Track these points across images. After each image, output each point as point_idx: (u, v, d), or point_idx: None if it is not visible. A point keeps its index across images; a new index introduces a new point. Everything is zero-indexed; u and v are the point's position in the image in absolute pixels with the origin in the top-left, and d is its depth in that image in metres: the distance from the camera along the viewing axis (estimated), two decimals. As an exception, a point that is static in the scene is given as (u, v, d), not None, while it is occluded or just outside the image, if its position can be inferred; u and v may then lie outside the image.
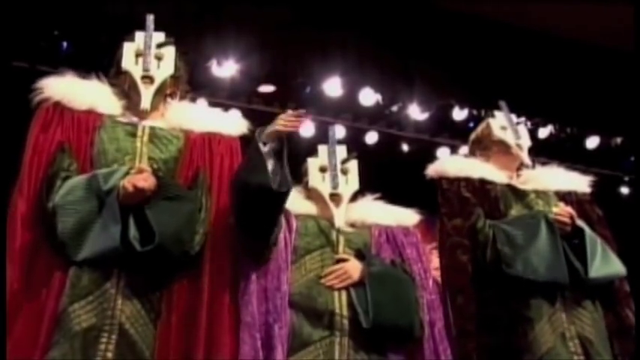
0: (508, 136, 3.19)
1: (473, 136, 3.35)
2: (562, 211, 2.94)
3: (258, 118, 2.74)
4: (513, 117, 3.32)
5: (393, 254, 2.80)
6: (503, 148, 3.19)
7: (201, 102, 5.75)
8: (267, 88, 6.03)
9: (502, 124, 3.24)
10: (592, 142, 6.72)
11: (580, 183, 3.26)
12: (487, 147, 3.23)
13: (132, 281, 2.36)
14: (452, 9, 6.24)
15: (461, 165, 3.16)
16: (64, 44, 5.31)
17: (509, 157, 3.19)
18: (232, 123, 2.74)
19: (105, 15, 5.10)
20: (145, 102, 2.54)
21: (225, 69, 5.68)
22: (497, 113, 3.30)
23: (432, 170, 3.18)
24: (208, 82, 5.74)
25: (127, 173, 2.39)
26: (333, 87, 5.99)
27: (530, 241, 2.85)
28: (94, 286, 2.32)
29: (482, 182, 3.08)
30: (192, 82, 5.52)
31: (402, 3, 6.19)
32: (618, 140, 6.87)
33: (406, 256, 2.81)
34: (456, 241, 2.97)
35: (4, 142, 2.64)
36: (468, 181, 3.08)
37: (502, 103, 3.33)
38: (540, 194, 3.12)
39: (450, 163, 3.21)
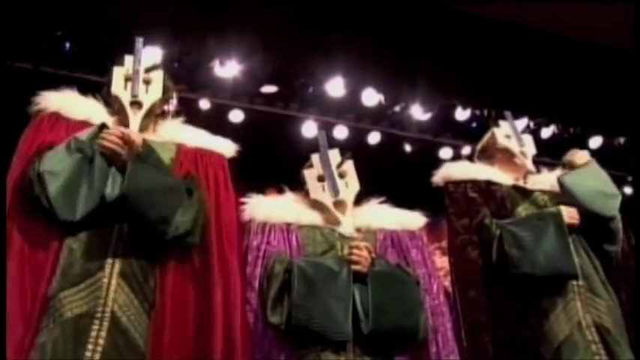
0: (512, 144, 3.24)
1: (479, 146, 3.39)
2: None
3: (261, 118, 2.74)
4: (518, 125, 3.37)
5: (398, 258, 2.79)
6: (508, 155, 3.24)
7: (204, 102, 5.80)
8: (269, 89, 6.03)
9: (506, 132, 3.29)
10: (595, 142, 6.71)
11: None
12: (492, 155, 3.28)
13: (125, 271, 2.38)
14: (454, 9, 6.24)
15: (466, 169, 3.22)
16: (67, 45, 5.32)
17: (513, 165, 3.23)
18: (223, 144, 2.78)
19: (107, 16, 5.10)
20: (134, 127, 2.57)
21: (228, 69, 5.68)
22: (502, 123, 3.35)
23: (437, 177, 3.21)
24: (211, 83, 5.75)
25: (101, 127, 2.46)
26: (335, 87, 5.99)
27: (537, 243, 2.87)
28: (86, 274, 2.34)
29: (488, 183, 3.12)
30: (194, 82, 5.59)
31: (403, 3, 6.19)
32: (621, 140, 6.86)
33: (411, 259, 2.80)
34: (466, 239, 3.01)
35: (6, 143, 2.63)
36: (474, 182, 3.12)
37: (507, 113, 3.38)
38: (546, 192, 3.15)
39: (455, 167, 3.26)
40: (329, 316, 2.49)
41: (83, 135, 2.46)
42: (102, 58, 2.72)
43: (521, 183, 3.22)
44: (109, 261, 2.37)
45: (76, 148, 2.41)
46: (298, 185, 2.93)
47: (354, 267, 2.59)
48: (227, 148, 2.77)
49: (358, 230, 2.80)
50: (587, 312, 2.84)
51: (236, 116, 5.92)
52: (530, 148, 3.26)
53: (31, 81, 2.66)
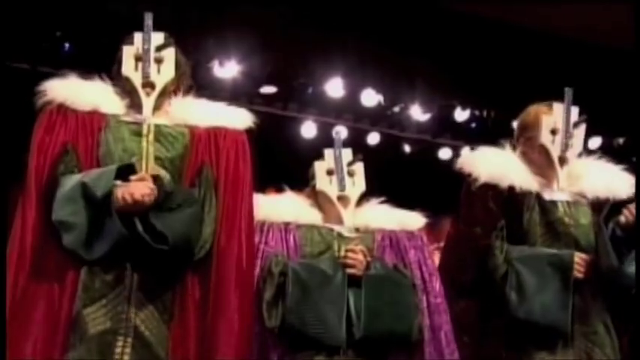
0: (554, 148, 2.86)
1: (518, 121, 3.06)
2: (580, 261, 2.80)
3: (260, 119, 2.72)
4: (574, 112, 2.93)
5: (396, 258, 2.79)
6: (545, 155, 2.88)
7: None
8: (269, 89, 6.04)
9: (554, 125, 2.87)
10: (594, 142, 6.71)
11: (621, 188, 2.93)
12: (531, 142, 2.93)
13: (145, 284, 2.35)
14: (453, 9, 6.24)
15: (493, 170, 2.87)
16: (66, 45, 5.32)
17: (547, 168, 2.89)
18: (237, 117, 2.69)
19: (107, 15, 5.10)
20: (147, 111, 2.51)
21: (227, 70, 5.69)
22: (556, 106, 2.91)
23: (464, 164, 2.92)
24: (210, 83, 5.73)
25: (117, 173, 2.34)
26: (334, 88, 5.99)
27: (538, 291, 2.75)
28: (107, 289, 2.32)
29: (511, 190, 2.84)
30: (193, 82, 5.56)
31: (403, 3, 6.19)
32: (620, 140, 6.86)
33: (408, 260, 2.79)
34: (465, 247, 2.89)
35: (6, 144, 2.62)
36: (496, 190, 2.84)
37: (567, 90, 2.95)
38: (571, 207, 2.89)
39: (484, 165, 2.89)
40: (322, 320, 2.50)
41: (97, 180, 2.33)
42: (101, 58, 2.70)
43: (547, 193, 2.88)
44: (128, 273, 2.34)
45: (90, 200, 2.32)
46: (297, 186, 2.93)
47: (349, 270, 2.59)
48: (242, 120, 2.67)
49: (357, 230, 2.79)
50: (584, 352, 2.74)
51: (235, 117, 5.92)
52: (575, 150, 2.88)
53: (29, 81, 2.63)
